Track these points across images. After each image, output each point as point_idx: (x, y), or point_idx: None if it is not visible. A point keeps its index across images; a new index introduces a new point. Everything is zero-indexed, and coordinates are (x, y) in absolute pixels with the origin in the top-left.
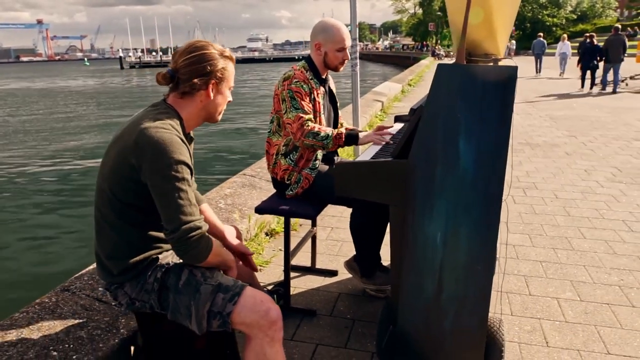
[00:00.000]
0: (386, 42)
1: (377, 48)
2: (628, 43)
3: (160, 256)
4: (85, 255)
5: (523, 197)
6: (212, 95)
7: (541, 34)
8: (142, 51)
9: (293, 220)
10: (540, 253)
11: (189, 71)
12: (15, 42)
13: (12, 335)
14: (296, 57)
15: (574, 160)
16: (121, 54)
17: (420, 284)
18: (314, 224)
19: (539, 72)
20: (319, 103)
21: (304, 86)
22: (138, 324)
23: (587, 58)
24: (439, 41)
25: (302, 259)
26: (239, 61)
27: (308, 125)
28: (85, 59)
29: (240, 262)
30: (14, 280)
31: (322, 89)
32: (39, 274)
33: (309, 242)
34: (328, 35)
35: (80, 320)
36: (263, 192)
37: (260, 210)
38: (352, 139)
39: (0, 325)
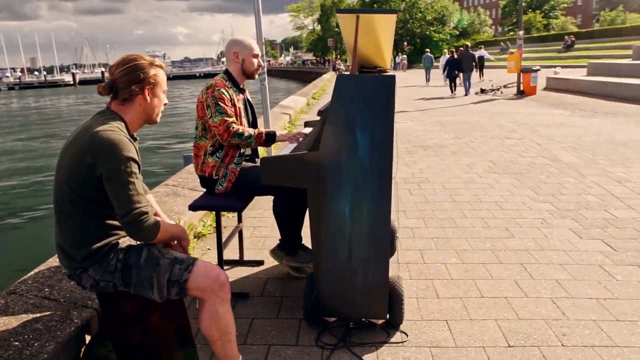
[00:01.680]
0: (288, 58)
1: (279, 64)
2: (503, 56)
3: (120, 241)
4: (20, 263)
5: (417, 190)
6: (148, 98)
7: (428, 50)
8: (22, 70)
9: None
10: (432, 232)
11: (126, 80)
12: None
13: None
14: (197, 75)
15: (458, 158)
16: None
17: (335, 250)
18: (239, 220)
19: (428, 81)
20: (239, 108)
21: (225, 92)
22: (100, 303)
23: (450, 69)
24: (339, 56)
25: (230, 253)
26: None
27: (233, 127)
28: None
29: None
30: None
31: (241, 96)
32: None
33: (235, 238)
34: (243, 45)
35: (34, 316)
36: (187, 199)
37: (193, 207)
38: (270, 137)
39: None
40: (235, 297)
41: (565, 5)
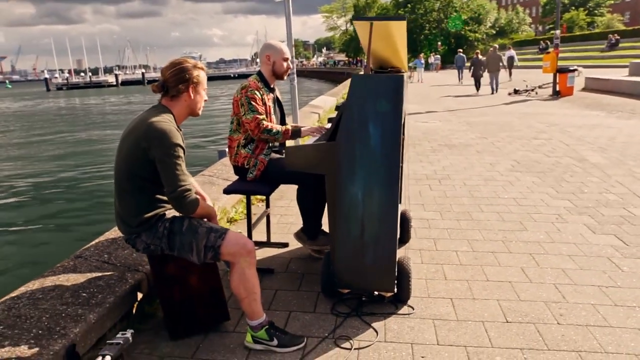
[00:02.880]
0: (320, 59)
1: (312, 65)
2: (541, 56)
3: (166, 212)
4: (84, 234)
5: (438, 185)
6: (192, 95)
7: (461, 50)
8: (70, 72)
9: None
10: (447, 224)
11: (174, 80)
12: None
13: (48, 285)
14: (232, 75)
15: (482, 157)
16: (47, 76)
17: (349, 230)
18: (267, 206)
19: (461, 81)
20: (269, 106)
21: (257, 93)
22: (150, 265)
23: (475, 68)
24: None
25: (259, 236)
26: None
27: (263, 124)
28: (7, 81)
29: None
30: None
31: (271, 95)
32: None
33: (264, 223)
34: (275, 49)
35: (96, 275)
36: (221, 187)
37: (227, 191)
38: (296, 132)
39: (40, 278)
40: (261, 272)
41: (612, 2)
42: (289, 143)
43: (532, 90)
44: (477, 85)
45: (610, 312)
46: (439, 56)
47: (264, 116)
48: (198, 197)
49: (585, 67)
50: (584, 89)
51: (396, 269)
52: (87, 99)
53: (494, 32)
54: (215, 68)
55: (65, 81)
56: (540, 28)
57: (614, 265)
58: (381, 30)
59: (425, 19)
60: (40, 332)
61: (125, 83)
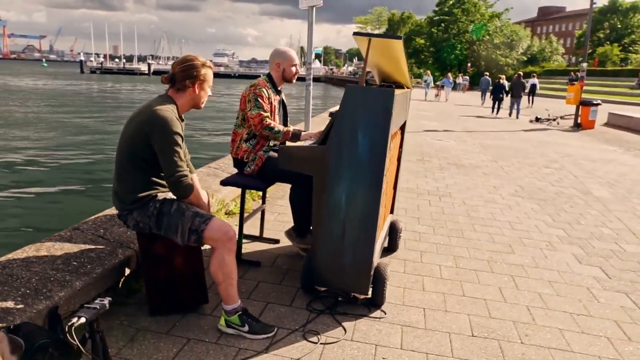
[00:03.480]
0: (350, 68)
1: (341, 73)
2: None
3: (159, 194)
4: (85, 209)
5: (437, 202)
6: (197, 91)
7: (487, 73)
8: (105, 57)
9: (247, 202)
10: (438, 239)
11: (182, 76)
12: None
13: (43, 251)
14: (261, 75)
15: (488, 179)
16: (82, 58)
17: (330, 230)
18: (263, 202)
19: (483, 102)
20: (274, 106)
21: (265, 91)
22: (138, 242)
23: (496, 92)
24: None
25: (252, 230)
26: None
27: (266, 121)
28: (44, 59)
29: None
30: (32, 222)
31: (277, 97)
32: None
33: (259, 218)
34: (284, 57)
35: (90, 247)
36: None
37: (223, 182)
38: (296, 135)
39: (37, 243)
40: (248, 263)
41: None
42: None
43: (554, 119)
44: (495, 107)
45: (575, 338)
46: (467, 77)
47: (268, 114)
48: (194, 185)
49: (612, 102)
50: (606, 124)
51: (372, 274)
52: (117, 85)
53: (525, 58)
54: (246, 67)
55: (100, 65)
56: (573, 59)
57: (591, 295)
58: (381, 46)
59: (457, 39)
60: (27, 291)
61: (157, 73)
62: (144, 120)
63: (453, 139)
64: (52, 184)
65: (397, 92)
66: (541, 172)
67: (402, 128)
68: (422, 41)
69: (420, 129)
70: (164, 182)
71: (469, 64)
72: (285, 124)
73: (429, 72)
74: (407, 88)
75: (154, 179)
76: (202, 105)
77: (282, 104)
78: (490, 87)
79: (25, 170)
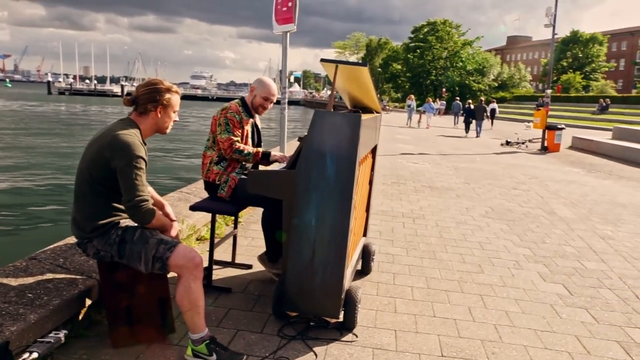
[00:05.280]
0: (329, 92)
1: (321, 97)
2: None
3: (121, 221)
4: (44, 237)
5: (411, 224)
6: (159, 115)
7: (458, 98)
8: (75, 77)
9: (220, 227)
10: (410, 260)
11: (145, 99)
12: None
13: None
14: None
15: (460, 201)
16: (50, 79)
17: (300, 253)
18: (235, 227)
19: (456, 124)
20: (247, 130)
21: (237, 116)
22: (99, 270)
23: (467, 116)
24: (378, 95)
25: (224, 255)
26: (181, 97)
27: (236, 145)
28: (7, 80)
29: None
30: None
31: (250, 120)
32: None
33: (231, 243)
34: (261, 86)
35: (47, 277)
36: None
37: (193, 208)
38: (265, 156)
39: None
40: (219, 290)
41: (607, 69)
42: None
43: (523, 143)
44: (467, 129)
45: (539, 354)
46: (444, 102)
47: (238, 138)
48: (155, 208)
49: (576, 127)
50: (570, 147)
51: (343, 297)
52: (88, 106)
53: (496, 84)
54: (224, 89)
55: (69, 86)
56: (540, 86)
57: (554, 312)
58: (349, 73)
59: (432, 65)
60: None
61: (131, 94)
62: (104, 144)
63: (428, 162)
64: (8, 210)
65: (366, 116)
66: (510, 193)
67: (373, 151)
68: (399, 66)
69: (396, 152)
70: None
71: (444, 89)
72: (259, 146)
73: (412, 96)
74: (377, 113)
75: (115, 204)
76: (167, 131)
77: (255, 127)
78: (461, 111)
79: None
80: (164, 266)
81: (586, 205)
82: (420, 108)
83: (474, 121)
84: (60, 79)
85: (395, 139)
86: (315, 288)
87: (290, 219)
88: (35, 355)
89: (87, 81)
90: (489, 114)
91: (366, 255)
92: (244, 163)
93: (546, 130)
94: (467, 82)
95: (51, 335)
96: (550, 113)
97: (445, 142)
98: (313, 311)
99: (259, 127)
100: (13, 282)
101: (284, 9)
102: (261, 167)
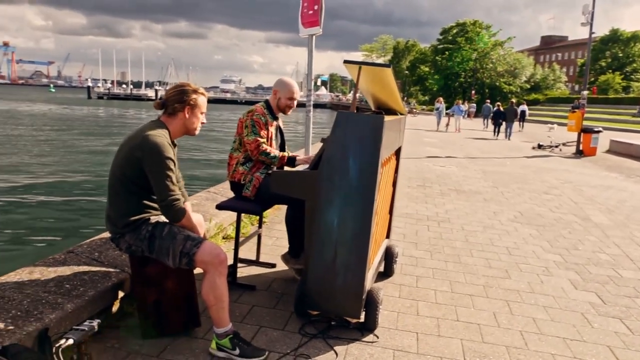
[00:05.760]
0: (358, 95)
1: (347, 99)
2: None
3: (151, 217)
4: (84, 232)
5: (436, 227)
6: (187, 115)
7: (488, 100)
8: (112, 83)
9: (245, 226)
10: (434, 264)
11: (173, 100)
12: None
13: (36, 274)
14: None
15: (488, 205)
16: (90, 84)
17: (322, 254)
18: (260, 226)
19: (486, 127)
20: (271, 132)
21: (262, 118)
22: (130, 264)
23: (496, 118)
24: (405, 98)
25: (249, 254)
26: (211, 101)
27: (262, 147)
28: (51, 85)
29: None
30: (28, 245)
31: (274, 123)
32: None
33: (261, 243)
34: (283, 88)
35: (83, 270)
36: None
37: (219, 207)
38: (290, 160)
39: (30, 266)
40: (243, 287)
41: None
42: None
43: (557, 146)
44: (496, 131)
45: None
46: (474, 104)
47: (265, 140)
48: (185, 207)
49: (614, 130)
50: (608, 151)
51: (365, 297)
52: (124, 110)
53: (529, 86)
54: (253, 93)
55: (107, 91)
56: (576, 87)
57: (585, 320)
58: (372, 74)
59: (461, 67)
60: (19, 313)
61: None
62: (136, 145)
63: (455, 165)
64: (52, 204)
65: (389, 118)
66: (540, 198)
67: (397, 153)
68: (427, 69)
69: (422, 155)
70: (156, 205)
71: (474, 92)
72: (282, 149)
73: (441, 99)
74: (401, 114)
75: (146, 202)
76: (196, 132)
77: (279, 130)
78: (490, 113)
79: (27, 191)
80: (191, 261)
81: (624, 211)
82: (448, 111)
83: (503, 123)
84: (99, 84)
85: (422, 142)
86: (336, 289)
87: (313, 219)
88: (70, 341)
89: (124, 86)
90: (519, 115)
91: (389, 257)
92: (269, 165)
93: (582, 133)
94: (497, 83)
95: (85, 323)
96: (586, 115)
97: (474, 145)
98: (334, 311)
99: (283, 129)
100: (52, 273)
101: (310, 12)
102: (286, 168)
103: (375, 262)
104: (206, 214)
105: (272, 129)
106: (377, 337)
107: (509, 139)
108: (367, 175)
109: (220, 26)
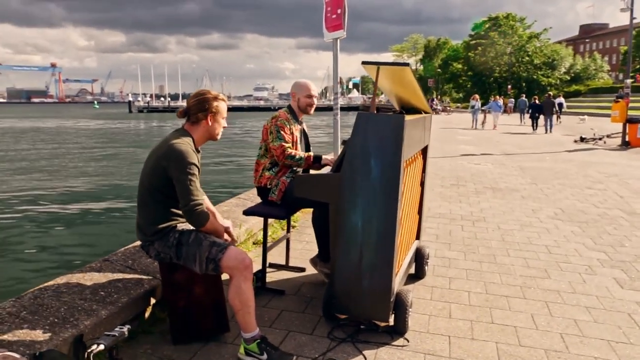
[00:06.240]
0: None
1: (379, 101)
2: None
3: (178, 225)
4: (119, 240)
5: (470, 227)
6: (210, 122)
7: (524, 95)
8: (151, 96)
9: (276, 231)
10: (468, 264)
11: (195, 109)
12: (28, 83)
13: (74, 280)
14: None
15: (526, 202)
16: (130, 98)
17: (348, 256)
18: (288, 230)
19: (523, 122)
20: (295, 136)
21: (286, 123)
22: (160, 270)
23: (533, 112)
24: (439, 96)
25: (278, 259)
26: (245, 109)
27: (288, 151)
28: (95, 102)
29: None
30: (67, 253)
31: (298, 126)
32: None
33: (291, 246)
34: (299, 88)
35: (117, 277)
36: None
37: (246, 212)
38: (317, 160)
39: (68, 274)
40: (272, 292)
41: None
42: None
43: (600, 139)
44: (534, 125)
45: None
46: (512, 99)
47: (290, 144)
48: (209, 213)
49: None
50: None
51: (393, 300)
52: (162, 122)
53: (569, 77)
54: (285, 99)
55: (147, 104)
56: (620, 76)
57: (632, 321)
58: (392, 74)
59: (495, 61)
60: (56, 320)
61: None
62: (162, 154)
63: (490, 163)
64: (88, 215)
65: (412, 117)
66: (583, 193)
67: (424, 153)
68: (460, 66)
69: (456, 154)
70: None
71: (510, 86)
72: (308, 151)
73: (476, 96)
74: (426, 113)
75: (173, 210)
76: (218, 137)
77: (304, 133)
78: (526, 107)
79: (68, 202)
80: (217, 267)
81: None
82: (484, 107)
83: (541, 117)
84: (139, 98)
85: (456, 140)
86: (363, 291)
87: (337, 221)
88: (101, 347)
89: (162, 99)
90: (557, 108)
91: (419, 258)
92: (295, 168)
93: (627, 124)
94: (535, 77)
95: (116, 329)
96: (631, 105)
97: (511, 141)
98: (361, 314)
99: (307, 132)
100: (89, 281)
101: (334, 16)
102: (312, 171)
103: (404, 263)
104: (236, 220)
105: (297, 133)
106: (408, 341)
107: (550, 132)
108: (389, 175)
109: (251, 35)
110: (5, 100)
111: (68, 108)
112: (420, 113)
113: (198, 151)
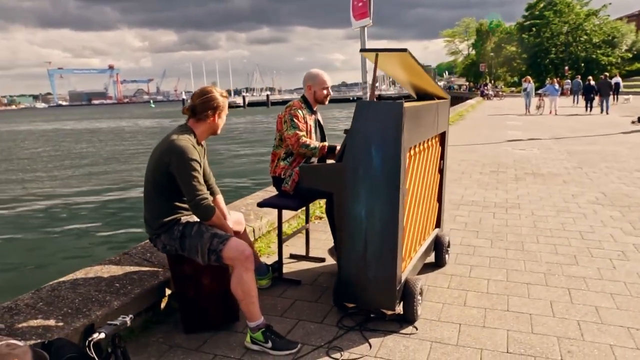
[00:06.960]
0: (441, 83)
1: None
2: None
3: (182, 218)
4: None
5: (503, 214)
6: (216, 119)
7: (579, 76)
8: None
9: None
10: (494, 252)
11: (204, 107)
12: (88, 86)
13: (92, 272)
14: (351, 98)
15: (567, 187)
16: (184, 96)
17: (353, 246)
18: (307, 221)
19: (577, 103)
20: (310, 125)
21: (300, 111)
22: (169, 262)
23: (587, 93)
24: (492, 81)
25: (299, 249)
26: None
27: (302, 139)
28: (151, 101)
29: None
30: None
31: (312, 116)
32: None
33: (315, 237)
34: (315, 80)
35: (134, 269)
36: None
37: (260, 204)
38: (331, 150)
39: (87, 267)
40: (289, 282)
41: None
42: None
43: None
44: (588, 106)
45: (627, 354)
46: (569, 81)
47: (304, 133)
48: (215, 207)
49: None
50: None
51: (400, 288)
52: None
53: (631, 55)
54: (337, 91)
55: None
56: None
57: None
58: (394, 60)
59: (551, 42)
60: (69, 310)
61: (251, 104)
62: (164, 150)
63: (537, 148)
64: (122, 210)
65: (416, 104)
66: (631, 176)
67: (442, 139)
68: (514, 48)
69: (501, 140)
70: (186, 206)
71: (567, 67)
72: (323, 141)
73: (529, 78)
74: (440, 98)
75: (177, 203)
76: (219, 132)
77: (318, 123)
78: (580, 88)
79: (105, 198)
80: (219, 258)
81: None
82: (540, 91)
83: (596, 98)
84: None
85: (504, 126)
86: (368, 280)
87: (341, 211)
88: (102, 335)
89: None
90: (613, 89)
91: (439, 247)
92: (310, 158)
93: None
94: (594, 56)
95: (119, 318)
96: None
97: (565, 124)
98: (368, 303)
99: (322, 123)
100: (106, 273)
101: (360, 4)
102: (329, 161)
103: (419, 252)
104: (259, 212)
105: (311, 122)
106: (416, 329)
107: (607, 113)
108: (391, 163)
109: (300, 28)
110: (67, 103)
111: (127, 108)
112: (433, 99)
113: (201, 145)
